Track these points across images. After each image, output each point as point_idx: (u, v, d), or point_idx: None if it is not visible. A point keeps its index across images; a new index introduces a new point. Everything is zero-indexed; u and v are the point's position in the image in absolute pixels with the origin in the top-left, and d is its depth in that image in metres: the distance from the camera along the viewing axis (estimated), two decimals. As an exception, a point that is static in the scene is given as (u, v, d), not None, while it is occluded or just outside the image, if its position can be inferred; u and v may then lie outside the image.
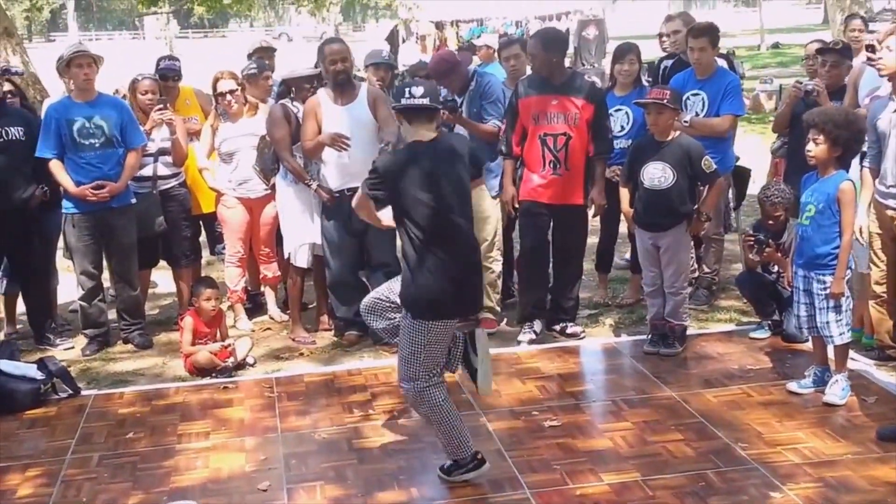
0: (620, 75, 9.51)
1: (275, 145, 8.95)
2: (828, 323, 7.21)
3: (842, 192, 7.05)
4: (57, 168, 8.79)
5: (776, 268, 8.57)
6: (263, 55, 10.87)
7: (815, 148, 7.11)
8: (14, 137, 8.91)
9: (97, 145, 8.81)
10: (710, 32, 9.32)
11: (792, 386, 7.46)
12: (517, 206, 8.77)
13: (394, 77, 10.29)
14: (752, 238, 8.46)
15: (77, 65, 8.82)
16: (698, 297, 9.55)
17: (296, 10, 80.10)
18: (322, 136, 8.53)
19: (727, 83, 9.30)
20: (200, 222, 10.24)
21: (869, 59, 8.17)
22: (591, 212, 8.88)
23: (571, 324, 9.06)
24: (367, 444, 6.86)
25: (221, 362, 8.41)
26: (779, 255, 8.38)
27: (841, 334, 7.21)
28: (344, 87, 8.67)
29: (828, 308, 7.20)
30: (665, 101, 8.11)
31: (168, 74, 9.92)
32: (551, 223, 8.87)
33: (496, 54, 12.28)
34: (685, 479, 6.16)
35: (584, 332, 9.02)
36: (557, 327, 9.06)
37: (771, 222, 8.51)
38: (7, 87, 9.17)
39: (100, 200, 8.80)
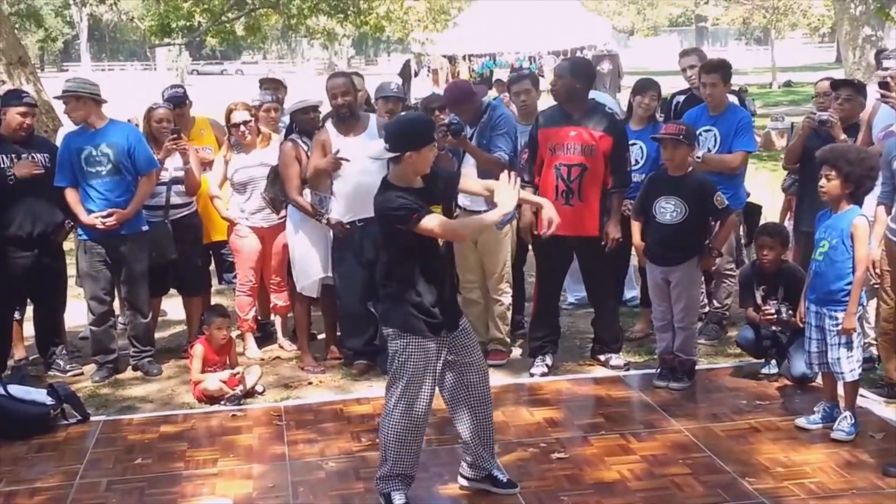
0: (640, 108, 9.54)
1: (284, 185, 9.01)
2: (839, 359, 7.20)
3: (855, 227, 7.06)
4: (71, 196, 8.87)
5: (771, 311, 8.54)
6: (271, 87, 10.94)
7: (828, 184, 7.12)
8: (40, 164, 8.96)
9: (104, 173, 8.86)
10: (722, 68, 9.37)
11: (801, 422, 7.45)
12: (535, 233, 8.77)
13: (404, 109, 10.33)
14: (774, 313, 8.42)
15: (64, 102, 8.97)
16: (708, 333, 9.56)
17: (308, 43, 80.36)
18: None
19: (739, 119, 9.32)
20: (210, 251, 10.27)
21: (883, 95, 8.20)
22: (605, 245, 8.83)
23: (615, 356, 9.04)
24: (375, 474, 6.86)
25: (230, 390, 8.41)
26: (795, 320, 8.29)
27: (851, 370, 7.21)
28: (347, 120, 8.74)
29: (839, 344, 7.19)
30: (681, 136, 8.15)
31: (175, 101, 9.93)
32: (572, 255, 8.92)
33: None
34: (693, 513, 6.16)
35: (627, 364, 9.00)
36: (602, 357, 9.08)
37: (765, 252, 8.49)
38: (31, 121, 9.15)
39: (108, 229, 8.85)
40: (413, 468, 6.31)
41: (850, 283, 7.13)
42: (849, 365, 7.20)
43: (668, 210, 8.24)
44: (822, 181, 7.16)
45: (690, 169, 8.37)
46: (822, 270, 7.26)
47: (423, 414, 6.22)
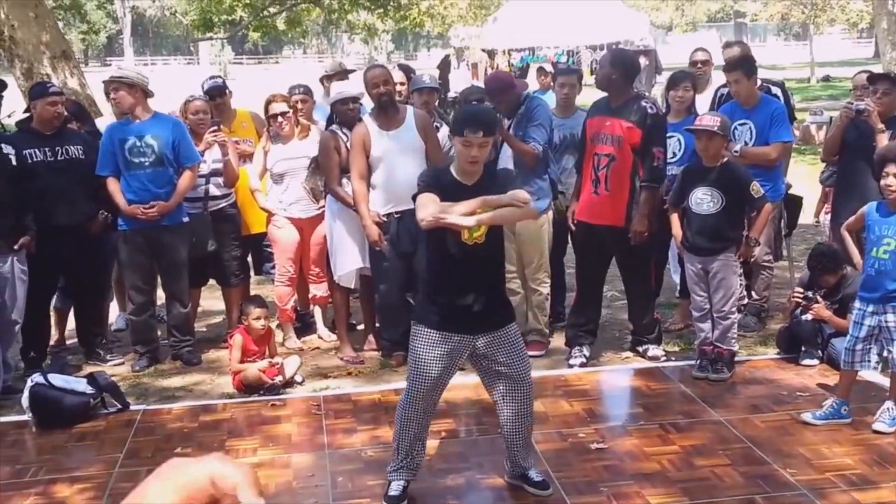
0: (675, 102, 9.53)
1: (324, 176, 9.06)
2: None
3: None
4: (113, 186, 8.92)
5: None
6: (342, 77, 11.02)
7: None
8: (74, 156, 9.02)
9: (147, 164, 8.90)
10: (742, 64, 9.33)
11: (806, 416, 7.38)
12: (576, 221, 8.82)
13: (442, 101, 10.35)
14: (802, 295, 8.44)
15: (113, 89, 9.05)
16: (748, 324, 9.51)
17: (348, 38, 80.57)
18: (368, 230, 8.64)
19: (773, 111, 9.29)
20: (250, 244, 10.27)
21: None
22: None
23: (653, 346, 9.03)
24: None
25: (269, 380, 8.44)
26: (828, 312, 8.31)
27: None
28: (388, 109, 8.73)
29: None
30: (715, 128, 8.13)
31: (214, 92, 9.97)
32: (604, 244, 8.89)
33: (552, 81, 12.32)
34: (732, 504, 6.13)
35: (665, 355, 9.00)
36: (640, 348, 9.08)
37: (824, 280, 8.49)
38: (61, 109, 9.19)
39: (149, 219, 8.90)
40: (410, 455, 6.30)
41: None
42: None
43: (705, 201, 8.23)
44: (889, 179, 7.08)
45: (725, 159, 8.35)
46: (887, 269, 7.12)
47: (421, 402, 6.19)
